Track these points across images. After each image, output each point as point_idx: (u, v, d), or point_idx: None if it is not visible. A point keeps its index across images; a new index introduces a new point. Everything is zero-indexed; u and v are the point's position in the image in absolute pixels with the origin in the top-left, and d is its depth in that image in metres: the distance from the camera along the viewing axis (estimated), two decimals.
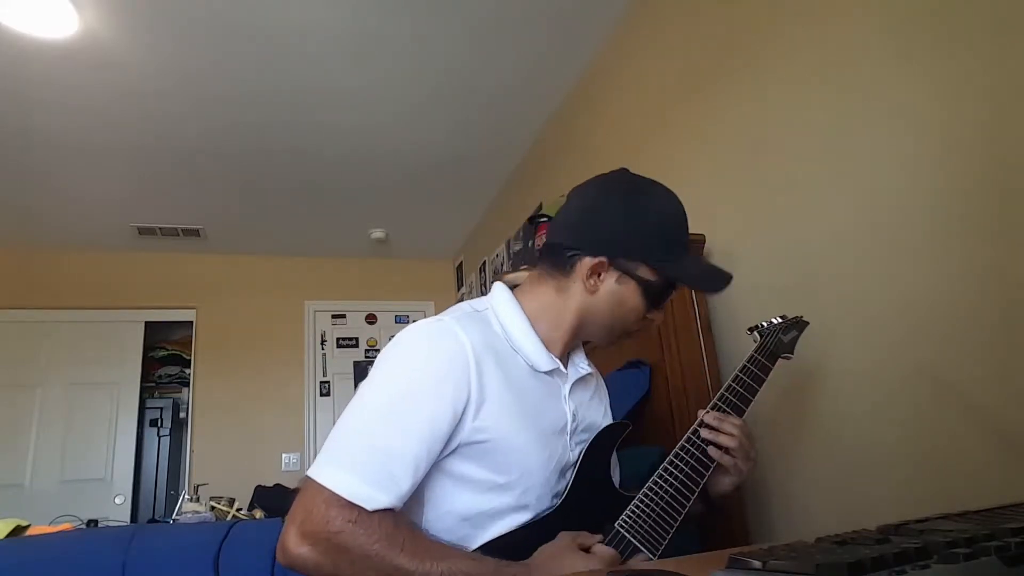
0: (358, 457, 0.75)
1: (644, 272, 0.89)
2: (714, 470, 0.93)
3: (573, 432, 0.93)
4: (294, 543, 0.72)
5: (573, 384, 0.95)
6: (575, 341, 0.97)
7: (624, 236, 0.89)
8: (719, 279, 0.94)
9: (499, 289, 0.96)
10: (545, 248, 0.96)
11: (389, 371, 0.82)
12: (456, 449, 0.81)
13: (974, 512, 0.58)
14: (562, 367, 0.93)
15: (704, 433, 0.93)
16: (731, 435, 0.91)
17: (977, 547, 0.39)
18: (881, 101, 1.19)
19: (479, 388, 0.81)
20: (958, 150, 1.04)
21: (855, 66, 1.26)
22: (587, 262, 0.89)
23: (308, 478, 0.75)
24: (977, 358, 1.01)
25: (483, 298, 0.97)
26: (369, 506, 0.73)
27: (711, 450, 0.92)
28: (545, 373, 0.91)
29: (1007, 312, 0.96)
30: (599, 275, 0.90)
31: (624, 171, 0.96)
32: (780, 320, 1.09)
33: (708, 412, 0.95)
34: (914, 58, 1.13)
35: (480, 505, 0.83)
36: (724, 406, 0.95)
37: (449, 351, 0.81)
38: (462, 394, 0.80)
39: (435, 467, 0.82)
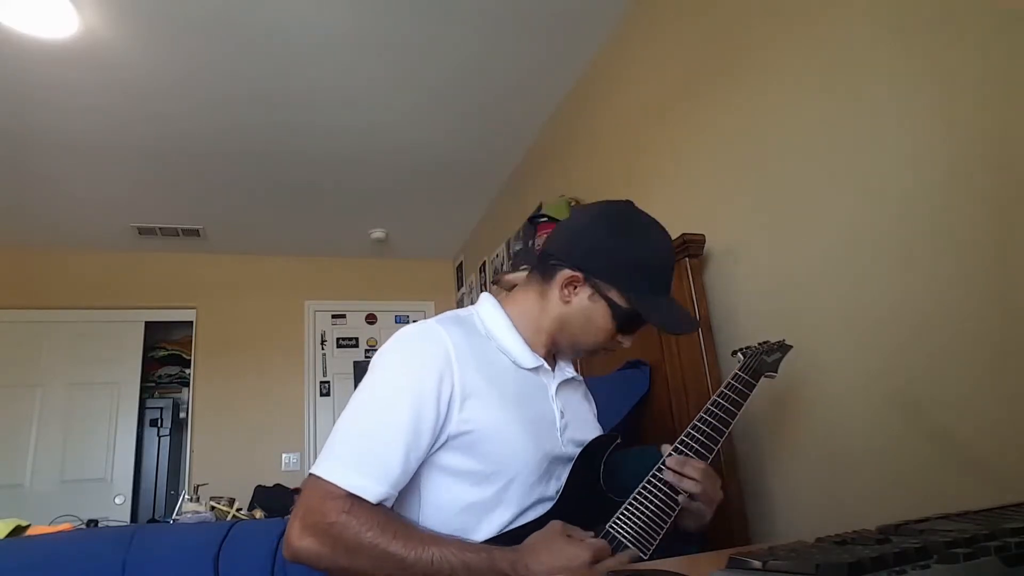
0: (351, 450, 0.82)
1: (615, 296, 0.93)
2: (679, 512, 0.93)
3: (564, 429, 0.96)
4: (296, 536, 0.77)
5: (560, 384, 1.00)
6: (555, 347, 1.01)
7: (605, 258, 0.93)
8: (684, 324, 0.96)
9: (484, 297, 1.03)
10: (539, 256, 1.02)
11: (377, 371, 0.89)
12: (446, 443, 0.86)
13: (974, 512, 0.58)
14: (547, 365, 0.98)
15: (668, 476, 0.92)
16: (694, 480, 0.91)
17: (977, 547, 0.39)
18: (882, 102, 1.19)
19: (462, 381, 0.86)
20: (960, 151, 1.04)
21: (856, 66, 1.26)
22: (565, 273, 0.95)
23: (310, 475, 0.81)
24: (971, 369, 1.01)
25: (469, 307, 1.03)
26: (363, 494, 0.78)
27: (680, 497, 0.91)
28: (530, 371, 0.96)
29: (1005, 327, 0.96)
30: (574, 287, 0.95)
31: (630, 203, 1.00)
32: (762, 344, 1.15)
33: (670, 455, 0.95)
34: (916, 59, 1.13)
35: (471, 496, 0.86)
36: (709, 418, 0.98)
37: (430, 347, 0.88)
38: (445, 386, 0.85)
39: (428, 463, 0.87)
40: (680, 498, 0.91)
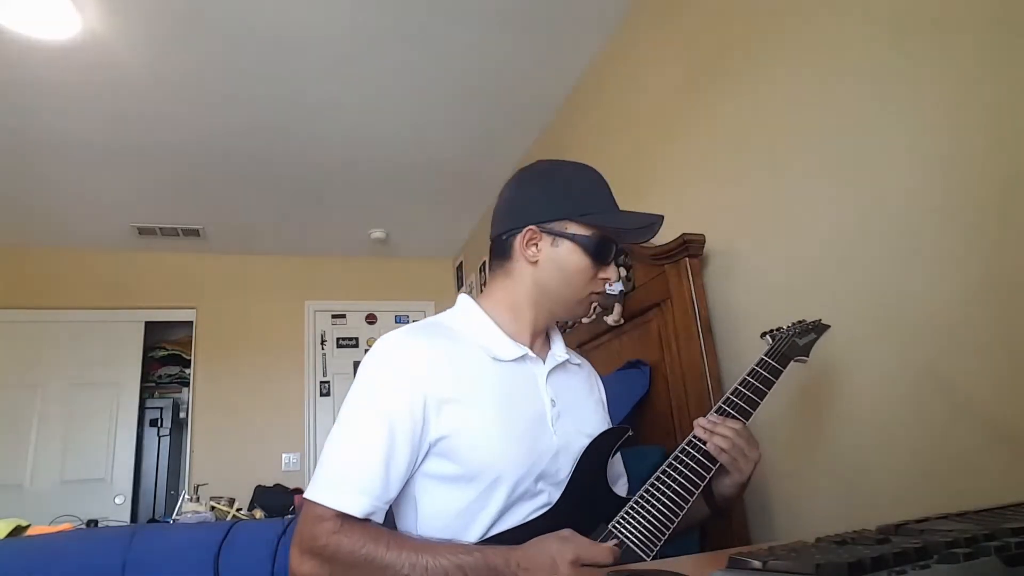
0: (333, 470, 0.84)
1: (574, 228, 0.94)
2: (717, 471, 0.92)
3: (556, 418, 0.94)
4: (297, 563, 0.80)
5: (552, 371, 0.98)
6: (542, 323, 1.00)
7: (545, 202, 0.95)
8: (649, 223, 0.94)
9: (460, 297, 1.03)
10: (491, 246, 1.03)
11: (354, 388, 0.90)
12: (430, 450, 0.87)
13: (974, 512, 0.58)
14: (532, 353, 0.96)
15: (698, 432, 0.93)
16: (724, 436, 0.91)
17: (977, 547, 0.39)
18: (883, 101, 1.19)
19: (435, 388, 0.87)
20: (960, 149, 1.04)
21: (857, 66, 1.26)
22: (519, 237, 0.95)
23: (303, 500, 0.84)
24: (983, 361, 1.01)
25: (447, 311, 1.03)
26: (350, 510, 0.79)
27: (710, 446, 0.91)
28: (513, 362, 0.94)
29: (1013, 314, 0.96)
30: (535, 244, 0.95)
31: (541, 160, 1.03)
32: (796, 324, 1.06)
33: (704, 417, 0.95)
34: (916, 58, 1.13)
35: (461, 500, 0.87)
36: (728, 408, 0.95)
37: (399, 356, 0.89)
38: (417, 396, 0.86)
39: (418, 473, 0.88)
40: (711, 446, 0.90)
